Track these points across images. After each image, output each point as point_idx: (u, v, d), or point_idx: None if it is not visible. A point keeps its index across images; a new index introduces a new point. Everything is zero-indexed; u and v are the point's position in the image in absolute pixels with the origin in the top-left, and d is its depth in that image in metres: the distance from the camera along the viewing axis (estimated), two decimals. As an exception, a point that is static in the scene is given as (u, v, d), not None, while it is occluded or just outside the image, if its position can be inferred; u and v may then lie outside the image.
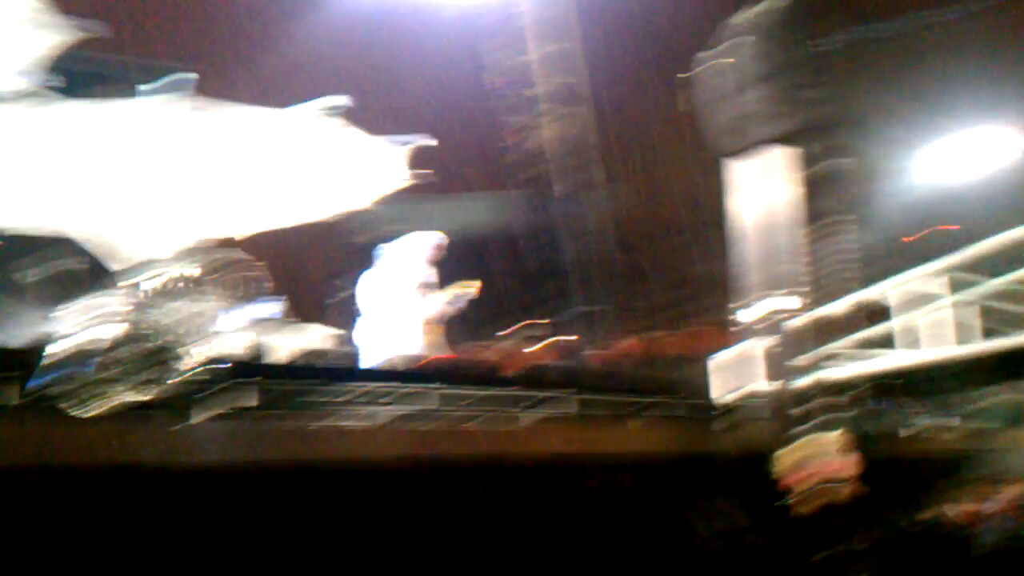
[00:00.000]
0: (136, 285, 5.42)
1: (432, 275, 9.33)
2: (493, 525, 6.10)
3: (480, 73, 13.44)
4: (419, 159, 6.62)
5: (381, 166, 6.66)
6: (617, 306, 13.13)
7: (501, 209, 14.95)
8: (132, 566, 4.77)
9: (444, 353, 9.30)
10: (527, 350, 10.47)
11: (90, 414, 4.94)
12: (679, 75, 10.76)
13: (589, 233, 14.35)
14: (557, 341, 11.13)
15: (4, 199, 5.81)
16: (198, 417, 5.20)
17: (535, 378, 8.24)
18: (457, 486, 6.01)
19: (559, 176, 15.26)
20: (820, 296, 9.14)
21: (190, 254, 5.62)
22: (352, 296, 9.61)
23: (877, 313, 8.93)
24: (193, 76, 5.74)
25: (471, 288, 9.28)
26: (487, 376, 8.07)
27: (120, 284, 5.43)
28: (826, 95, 9.50)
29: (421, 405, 6.24)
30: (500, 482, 6.19)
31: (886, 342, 8.67)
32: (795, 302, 9.17)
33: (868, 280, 9.30)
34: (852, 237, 9.93)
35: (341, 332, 9.27)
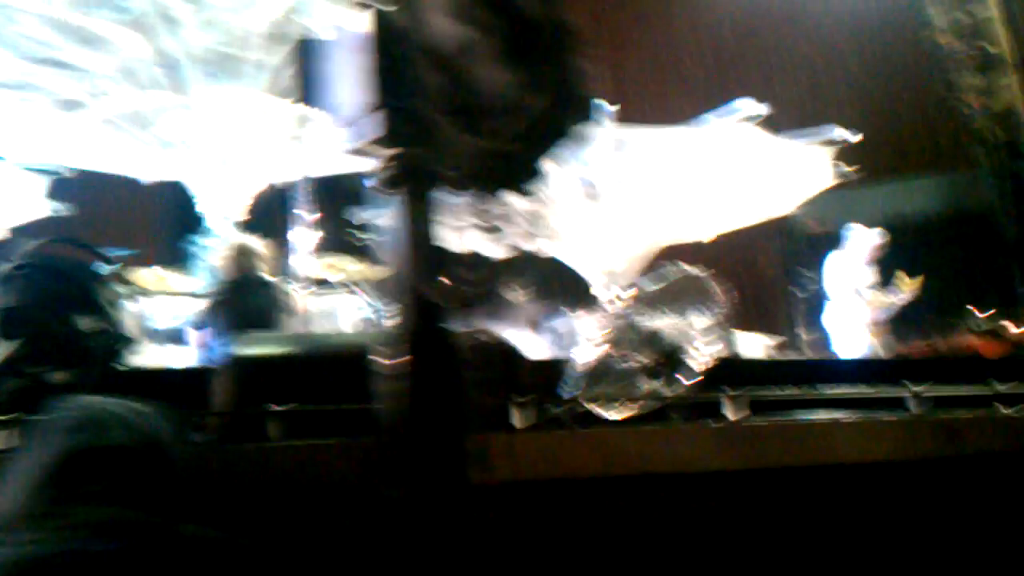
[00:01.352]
0: (611, 300, 5.65)
1: (874, 274, 8.92)
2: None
3: (912, 40, 12.42)
4: (846, 151, 6.29)
5: (808, 164, 6.44)
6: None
7: (940, 192, 13.77)
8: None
9: (894, 351, 8.82)
10: (984, 342, 9.49)
11: (589, 426, 5.17)
12: None
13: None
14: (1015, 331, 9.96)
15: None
16: (681, 424, 5.28)
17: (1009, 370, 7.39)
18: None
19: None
20: None
21: (651, 269, 5.77)
22: (801, 298, 9.38)
23: None
24: (612, 106, 5.93)
25: (914, 284, 8.76)
26: (957, 371, 7.37)
27: (597, 300, 5.66)
28: None
29: (894, 406, 5.79)
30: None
31: None
32: None
33: None
34: None
35: (795, 334, 9.05)
